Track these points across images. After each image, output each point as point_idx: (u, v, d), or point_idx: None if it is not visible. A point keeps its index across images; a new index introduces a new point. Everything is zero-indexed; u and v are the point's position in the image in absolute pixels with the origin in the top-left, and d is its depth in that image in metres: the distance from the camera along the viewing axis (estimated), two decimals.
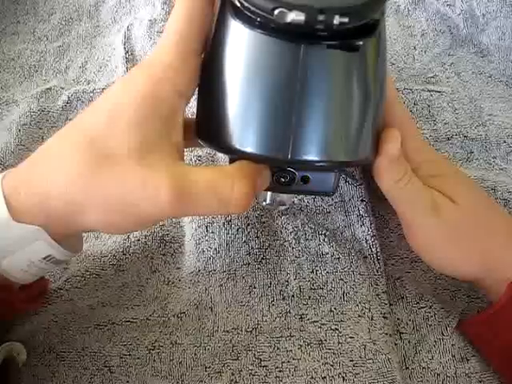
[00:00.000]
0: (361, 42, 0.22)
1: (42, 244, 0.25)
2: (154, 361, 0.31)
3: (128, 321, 0.32)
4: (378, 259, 0.34)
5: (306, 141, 0.24)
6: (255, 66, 0.23)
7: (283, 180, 0.28)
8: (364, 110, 0.24)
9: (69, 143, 0.24)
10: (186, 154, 0.38)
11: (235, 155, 0.26)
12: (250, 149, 0.24)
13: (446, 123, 0.41)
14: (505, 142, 0.41)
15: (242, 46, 0.23)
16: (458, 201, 0.29)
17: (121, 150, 0.23)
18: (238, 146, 0.24)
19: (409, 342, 0.32)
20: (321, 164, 0.25)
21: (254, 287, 0.33)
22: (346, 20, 0.20)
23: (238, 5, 0.22)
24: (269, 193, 0.31)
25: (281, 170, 0.28)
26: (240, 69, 0.24)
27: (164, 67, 0.24)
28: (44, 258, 0.26)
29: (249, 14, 0.22)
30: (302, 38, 0.22)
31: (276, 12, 0.20)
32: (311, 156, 0.24)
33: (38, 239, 0.24)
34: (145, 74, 0.25)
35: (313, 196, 0.37)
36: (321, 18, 0.20)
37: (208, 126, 0.26)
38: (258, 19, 0.22)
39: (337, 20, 0.20)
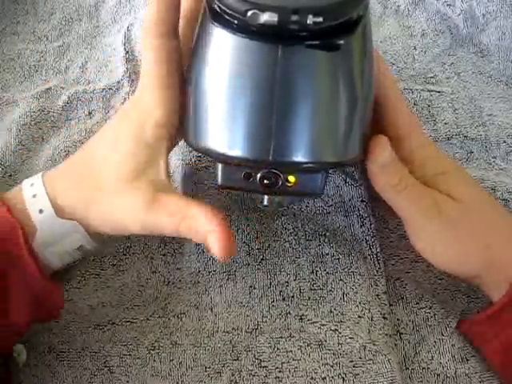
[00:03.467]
0: (341, 41, 0.22)
1: (77, 236, 0.29)
2: (154, 361, 0.31)
3: (128, 321, 0.32)
4: (377, 259, 0.34)
5: (287, 142, 0.24)
6: (235, 69, 0.23)
7: (267, 182, 0.28)
8: (349, 110, 0.24)
9: (79, 172, 0.30)
10: (185, 153, 0.38)
11: (219, 158, 0.26)
12: (232, 152, 0.24)
13: (446, 123, 0.41)
14: (505, 142, 0.41)
15: (221, 49, 0.23)
16: (461, 198, 0.29)
17: (109, 183, 0.28)
18: (220, 150, 0.25)
19: (409, 342, 0.32)
20: (303, 165, 0.24)
21: (254, 288, 0.33)
22: (320, 19, 0.20)
23: (217, 9, 0.22)
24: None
25: (265, 171, 0.28)
26: (220, 72, 0.24)
27: (146, 105, 0.28)
28: (77, 249, 0.29)
29: (226, 16, 0.22)
30: (280, 39, 0.22)
31: (249, 13, 0.20)
32: (293, 157, 0.24)
33: (75, 232, 0.29)
34: (132, 111, 0.29)
35: (302, 197, 0.36)
36: (294, 18, 0.20)
37: (193, 130, 0.26)
38: (235, 22, 0.22)
39: (310, 20, 0.20)
